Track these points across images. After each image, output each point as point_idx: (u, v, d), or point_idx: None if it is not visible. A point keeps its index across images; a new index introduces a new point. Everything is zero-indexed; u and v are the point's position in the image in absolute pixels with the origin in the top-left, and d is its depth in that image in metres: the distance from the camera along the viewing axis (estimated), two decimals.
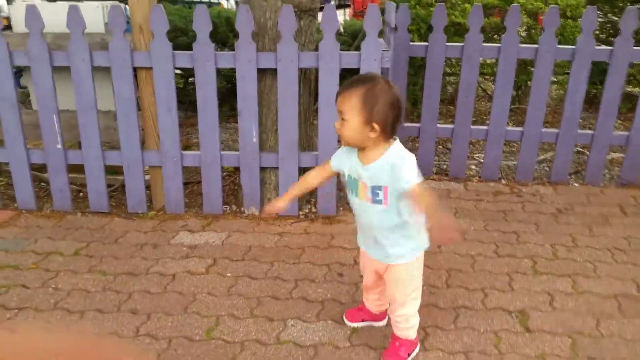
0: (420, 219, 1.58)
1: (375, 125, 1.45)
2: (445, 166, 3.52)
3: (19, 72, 3.69)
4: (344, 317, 1.98)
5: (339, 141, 1.63)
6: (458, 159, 3.30)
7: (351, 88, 1.46)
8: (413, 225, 1.59)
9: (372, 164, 1.52)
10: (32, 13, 2.53)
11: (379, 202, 1.54)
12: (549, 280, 2.26)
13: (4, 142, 2.77)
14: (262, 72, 2.65)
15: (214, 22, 4.34)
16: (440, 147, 3.91)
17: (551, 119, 4.47)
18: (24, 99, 4.42)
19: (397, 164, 1.47)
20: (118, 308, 2.06)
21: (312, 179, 1.76)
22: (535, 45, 3.00)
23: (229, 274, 2.30)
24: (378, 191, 1.53)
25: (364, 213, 1.62)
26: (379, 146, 1.51)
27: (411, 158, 1.49)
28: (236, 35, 2.56)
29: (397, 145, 1.52)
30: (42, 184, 3.20)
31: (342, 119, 1.48)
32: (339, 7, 10.11)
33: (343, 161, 1.62)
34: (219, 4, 9.56)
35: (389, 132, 1.49)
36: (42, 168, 3.07)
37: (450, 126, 3.26)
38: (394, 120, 1.47)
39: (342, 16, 7.29)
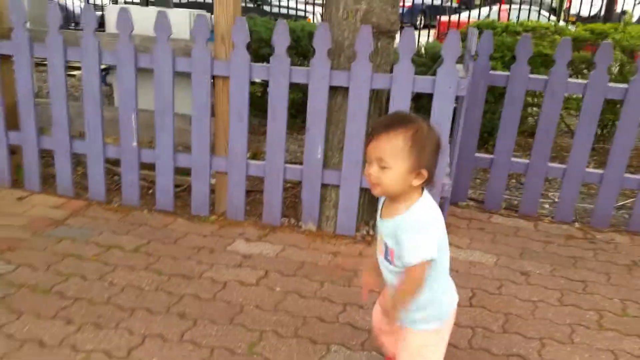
0: (437, 292, 1.43)
1: (424, 172, 1.30)
2: (516, 202, 3.34)
3: (106, 69, 3.93)
4: None
5: None
6: (531, 196, 3.13)
7: (394, 129, 1.28)
8: (426, 295, 1.41)
9: (390, 219, 1.37)
10: (123, 15, 2.68)
11: (389, 260, 1.42)
12: (614, 337, 2.08)
13: (85, 134, 2.94)
14: (334, 89, 2.64)
15: (298, 35, 4.46)
16: (514, 181, 3.73)
17: (636, 163, 4.15)
18: (108, 96, 4.71)
19: (406, 237, 1.31)
20: (167, 310, 2.10)
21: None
22: (625, 86, 2.80)
23: (279, 289, 2.30)
24: (387, 249, 1.41)
25: (380, 264, 1.49)
26: (410, 197, 1.35)
27: (428, 227, 1.33)
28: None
29: (424, 203, 1.35)
30: (116, 177, 3.36)
31: (382, 166, 1.29)
32: (424, 27, 9.96)
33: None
34: (306, 18, 9.77)
35: (431, 180, 1.34)
36: (117, 162, 3.22)
37: (526, 161, 3.10)
38: (434, 165, 1.33)
39: (427, 37, 7.19)
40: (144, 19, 2.88)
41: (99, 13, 3.46)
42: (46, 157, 3.41)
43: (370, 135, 1.32)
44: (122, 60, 2.75)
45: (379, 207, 1.46)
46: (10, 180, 3.12)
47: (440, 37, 7.01)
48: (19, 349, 1.85)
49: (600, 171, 2.99)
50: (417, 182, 1.32)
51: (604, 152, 4.33)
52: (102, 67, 2.97)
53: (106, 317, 2.04)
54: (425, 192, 1.38)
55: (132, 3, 12.08)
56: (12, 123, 3.05)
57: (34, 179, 3.08)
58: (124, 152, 2.92)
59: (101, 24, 4.08)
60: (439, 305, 1.46)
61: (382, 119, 1.39)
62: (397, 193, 1.34)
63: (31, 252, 2.46)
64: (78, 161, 3.49)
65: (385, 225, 1.39)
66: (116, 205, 3.01)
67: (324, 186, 2.80)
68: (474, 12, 9.24)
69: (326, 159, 2.77)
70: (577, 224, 3.10)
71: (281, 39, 2.59)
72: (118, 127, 2.89)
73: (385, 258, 1.43)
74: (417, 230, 1.31)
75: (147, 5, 3.55)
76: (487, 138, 4.10)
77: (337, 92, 2.67)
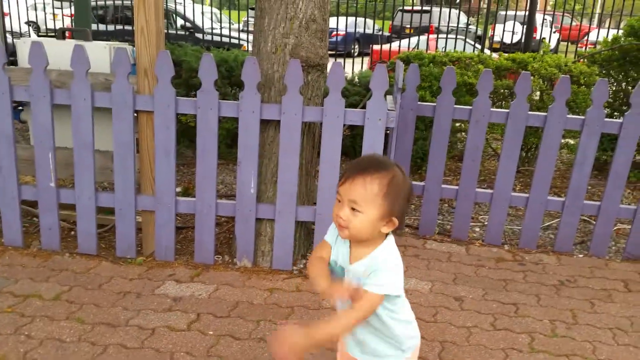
0: (407, 324, 1.42)
1: (395, 220, 1.28)
2: (448, 226, 3.42)
3: (20, 106, 3.71)
4: None
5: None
6: (462, 221, 3.21)
7: (369, 174, 1.25)
8: (393, 329, 1.39)
9: (357, 263, 1.34)
10: (36, 50, 2.53)
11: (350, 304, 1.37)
12: (545, 359, 2.13)
13: None
14: (265, 123, 2.62)
15: (231, 65, 4.42)
16: (446, 205, 3.82)
17: (559, 184, 4.38)
18: (24, 133, 4.43)
19: (377, 274, 1.29)
20: None
21: (321, 258, 1.46)
22: (545, 114, 2.96)
23: (211, 332, 2.19)
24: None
25: (338, 308, 1.43)
26: (375, 241, 1.32)
27: (396, 267, 1.31)
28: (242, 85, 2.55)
29: (389, 246, 1.33)
30: (34, 218, 3.13)
31: (353, 209, 1.26)
32: (359, 54, 10.20)
33: (336, 241, 1.41)
34: (240, 46, 9.71)
35: (400, 227, 1.33)
36: (35, 203, 3.01)
37: (455, 187, 3.19)
38: (404, 213, 1.33)
39: (361, 65, 7.36)
40: (61, 52, 2.74)
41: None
42: None
43: (345, 175, 1.29)
44: (36, 96, 2.59)
45: (338, 253, 1.39)
46: None
47: (373, 66, 7.20)
48: None
49: (525, 194, 3.12)
50: (386, 230, 1.30)
51: (529, 173, 4.54)
52: (16, 102, 2.79)
53: None
54: (391, 239, 1.36)
55: (48, 36, 11.63)
56: None
57: None
58: (41, 193, 2.73)
59: (12, 52, 3.86)
60: (407, 340, 1.43)
61: (358, 160, 1.34)
62: (365, 238, 1.31)
63: None
64: None
65: (355, 270, 1.34)
66: (35, 250, 2.80)
67: (259, 221, 2.74)
68: (404, 42, 9.60)
69: (260, 193, 2.73)
70: (506, 247, 3.21)
71: (208, 73, 2.54)
72: (34, 166, 2.71)
73: (348, 303, 1.35)
74: (387, 268, 1.30)
75: (63, 38, 3.39)
76: (420, 164, 4.20)
77: (269, 125, 2.65)
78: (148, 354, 2.02)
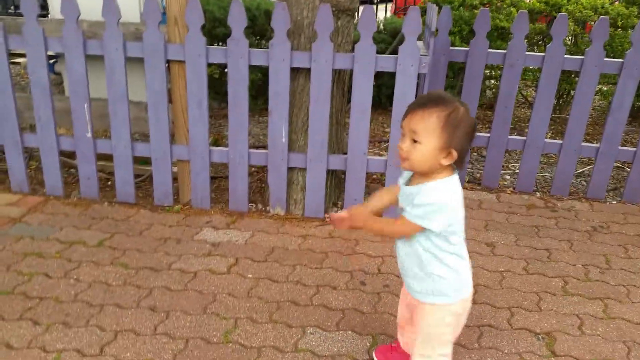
0: (447, 269, 1.42)
1: (454, 152, 1.30)
2: (478, 174, 3.41)
3: (53, 58, 3.73)
4: (373, 354, 1.82)
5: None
6: (492, 169, 3.19)
7: (430, 107, 1.29)
8: (439, 267, 1.42)
9: (414, 187, 1.37)
10: (68, 0, 2.53)
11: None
12: (579, 302, 2.17)
13: (35, 127, 2.80)
14: (295, 71, 2.60)
15: (254, 14, 4.35)
16: (475, 154, 3.79)
17: (592, 131, 4.30)
18: (58, 85, 4.49)
19: (420, 201, 1.33)
20: (137, 304, 2.05)
21: (384, 193, 1.58)
22: (582, 57, 2.86)
23: (250, 275, 2.27)
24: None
25: (397, 240, 1.50)
26: (438, 175, 1.34)
27: (444, 205, 1.32)
28: (273, 30, 2.51)
29: (448, 183, 1.34)
30: (72, 170, 3.22)
31: (414, 140, 1.30)
32: (381, 1, 9.85)
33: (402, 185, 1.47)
34: None
35: (461, 162, 1.34)
36: (72, 154, 3.09)
37: (486, 134, 3.15)
38: (466, 150, 1.33)
39: (384, 12, 7.15)
40: (91, 2, 2.73)
41: None
42: None
43: (407, 111, 1.34)
44: (70, 47, 2.61)
45: (401, 181, 1.47)
46: None
47: (397, 12, 6.98)
48: None
49: (559, 141, 3.08)
50: (446, 162, 1.31)
51: (560, 121, 4.46)
52: (50, 54, 2.82)
53: (74, 315, 1.97)
54: (455, 174, 1.37)
55: None
56: None
57: None
58: (79, 144, 2.79)
59: (43, 6, 3.86)
60: (454, 282, 1.44)
61: (420, 97, 1.39)
62: (424, 170, 1.35)
63: None
64: (31, 155, 3.34)
65: (408, 192, 1.39)
66: (75, 199, 2.89)
67: (290, 169, 2.77)
68: None
69: (291, 142, 2.74)
70: (538, 194, 3.19)
71: (237, 20, 2.51)
72: (70, 117, 2.76)
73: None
74: (432, 202, 1.32)
75: None
76: None
77: (299, 74, 2.63)
78: (192, 295, 2.12)
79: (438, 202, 1.33)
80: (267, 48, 2.53)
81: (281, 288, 2.19)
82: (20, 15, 2.64)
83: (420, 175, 1.38)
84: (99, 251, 2.41)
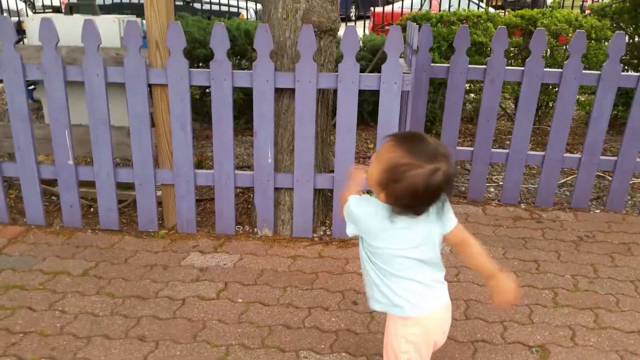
0: (383, 284, 1.44)
1: (386, 197, 1.32)
2: (463, 188, 3.44)
3: (32, 84, 3.68)
4: None
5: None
6: (477, 182, 3.22)
7: (399, 144, 1.29)
8: (371, 276, 1.47)
9: None
10: (47, 26, 2.50)
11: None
12: (570, 313, 2.18)
13: (15, 156, 2.74)
14: (279, 91, 2.60)
15: (234, 34, 4.36)
16: (459, 167, 3.83)
17: (571, 141, 4.37)
18: (37, 112, 4.42)
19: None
20: (126, 334, 1.99)
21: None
22: (560, 70, 2.92)
23: (240, 300, 2.23)
24: None
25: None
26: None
27: (351, 205, 1.41)
28: (254, 50, 2.51)
29: (373, 202, 1.39)
30: (53, 197, 3.16)
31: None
32: (359, 18, 9.99)
33: None
34: (238, 14, 9.54)
35: (402, 210, 1.32)
36: (53, 182, 3.03)
37: (470, 149, 3.18)
38: (412, 205, 1.31)
39: (362, 29, 7.24)
40: (69, 28, 2.70)
41: (14, 19, 3.22)
42: None
43: (391, 135, 1.37)
44: (49, 74, 2.57)
45: None
46: None
47: (376, 29, 7.08)
48: None
49: (541, 153, 3.12)
50: (382, 199, 1.34)
51: (540, 132, 4.53)
52: (28, 81, 2.77)
53: (61, 349, 1.91)
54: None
55: (54, 10, 11.43)
56: None
57: None
58: (60, 172, 2.73)
59: (18, 30, 3.80)
60: (388, 296, 1.44)
61: (410, 133, 1.41)
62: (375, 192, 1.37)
63: None
64: (10, 184, 3.26)
65: None
66: (57, 228, 2.82)
67: (277, 190, 2.75)
68: (407, 2, 9.42)
69: (277, 162, 2.73)
70: (523, 205, 3.22)
71: (220, 43, 2.50)
72: (51, 145, 2.71)
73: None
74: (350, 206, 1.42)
75: (71, 13, 3.34)
76: (430, 127, 4.18)
77: (283, 94, 2.63)
78: (181, 323, 2.07)
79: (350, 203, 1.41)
80: (248, 69, 2.52)
81: (272, 311, 2.16)
82: None
83: None
84: (83, 281, 2.34)
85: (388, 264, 1.41)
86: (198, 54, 4.15)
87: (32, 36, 3.10)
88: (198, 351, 1.91)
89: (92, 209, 3.06)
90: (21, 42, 2.67)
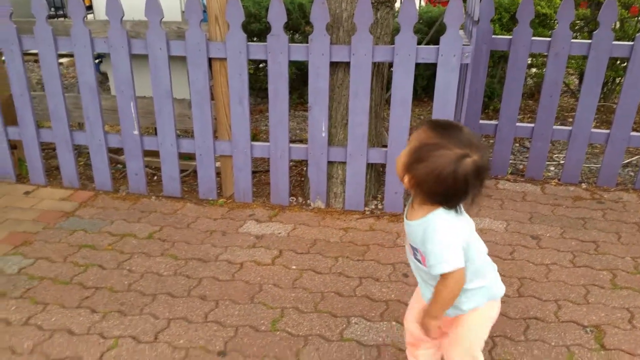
0: (481, 285, 1.37)
1: (411, 180, 1.23)
2: (522, 166, 3.35)
3: (98, 58, 3.86)
4: None
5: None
6: (537, 160, 3.13)
7: (432, 127, 1.23)
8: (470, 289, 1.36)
9: (412, 221, 1.30)
10: (112, 1, 2.61)
11: (419, 260, 1.35)
12: (629, 296, 2.11)
13: (84, 125, 2.91)
14: (334, 65, 2.61)
15: (287, 8, 4.37)
16: (517, 144, 3.73)
17: (638, 119, 4.15)
18: (103, 85, 4.64)
19: (427, 237, 1.25)
20: (188, 293, 2.12)
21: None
22: (631, 43, 2.77)
23: (294, 267, 2.31)
24: (415, 250, 1.35)
25: (410, 261, 1.44)
26: (422, 204, 1.27)
27: (444, 236, 1.24)
28: (308, 24, 2.52)
29: (438, 214, 1.25)
30: (118, 165, 3.34)
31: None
32: None
33: None
34: None
35: (428, 198, 1.24)
36: (119, 150, 3.20)
37: (531, 125, 3.09)
38: (437, 192, 1.22)
39: (417, 1, 7.08)
40: (132, 2, 2.81)
41: None
42: (46, 149, 3.39)
43: (424, 120, 1.31)
44: (115, 47, 2.70)
45: (406, 207, 1.40)
46: (14, 175, 3.10)
47: (433, 0, 6.87)
48: (49, 339, 1.87)
49: (606, 131, 2.99)
50: (406, 185, 1.25)
51: (605, 110, 4.32)
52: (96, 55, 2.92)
53: (129, 304, 2.06)
54: (441, 210, 1.27)
55: None
56: (10, 118, 3.02)
57: (38, 172, 3.06)
58: (126, 141, 2.89)
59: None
60: (485, 290, 1.39)
61: (443, 120, 1.30)
62: (401, 178, 1.27)
63: (46, 245, 2.47)
64: (80, 152, 3.47)
65: (408, 225, 1.34)
66: (124, 194, 3.00)
67: (330, 163, 2.79)
68: None
69: (331, 136, 2.76)
70: (584, 185, 3.11)
71: (277, 15, 2.54)
72: (116, 115, 2.86)
73: (415, 257, 1.38)
74: (434, 232, 1.25)
75: None
76: (486, 103, 4.08)
77: (338, 67, 2.64)
78: (239, 285, 2.17)
79: (441, 237, 1.25)
80: (301, 42, 2.54)
81: (324, 279, 2.22)
82: (58, 17, 2.73)
83: (413, 200, 1.31)
84: (149, 243, 2.49)
85: (473, 263, 1.34)
86: (253, 28, 4.21)
87: (99, 11, 3.24)
88: (255, 312, 2.01)
89: (155, 177, 3.22)
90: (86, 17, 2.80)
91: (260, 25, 4.17)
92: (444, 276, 1.26)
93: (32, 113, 2.93)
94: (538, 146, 3.09)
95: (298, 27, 4.38)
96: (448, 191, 1.21)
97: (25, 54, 2.94)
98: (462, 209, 1.31)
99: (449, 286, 1.27)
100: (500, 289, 1.43)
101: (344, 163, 2.76)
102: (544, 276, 2.25)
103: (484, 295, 1.39)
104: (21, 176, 3.15)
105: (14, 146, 3.13)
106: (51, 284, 2.17)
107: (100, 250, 2.43)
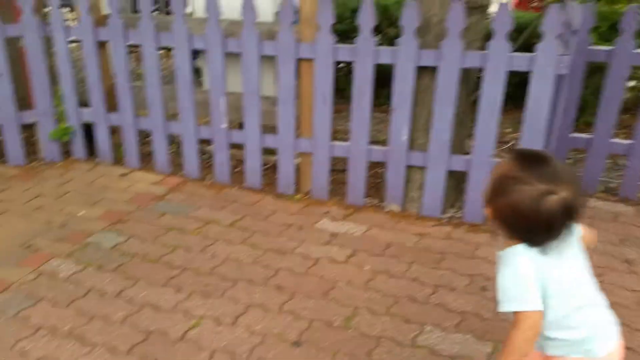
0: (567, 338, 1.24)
1: (488, 211, 1.22)
2: (613, 184, 3.16)
3: (194, 53, 4.06)
4: None
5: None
6: (632, 179, 2.94)
7: (516, 158, 1.19)
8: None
9: (498, 253, 1.27)
10: (211, 0, 2.75)
11: None
12: None
13: (178, 116, 3.09)
14: (420, 69, 2.60)
15: None
16: (609, 161, 3.51)
17: None
18: (195, 79, 4.87)
19: (498, 270, 1.22)
20: (266, 282, 2.20)
21: None
22: None
23: (368, 267, 2.33)
24: None
25: None
26: (506, 237, 1.23)
27: (514, 272, 1.18)
28: (390, 26, 2.53)
29: (515, 249, 1.20)
30: (204, 155, 3.51)
31: None
32: None
33: None
34: None
35: (508, 233, 1.20)
36: (206, 140, 3.36)
37: (628, 142, 2.91)
38: (516, 228, 1.18)
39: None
40: (228, 2, 2.93)
41: None
42: (139, 135, 3.61)
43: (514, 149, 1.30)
44: (212, 45, 2.84)
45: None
46: (112, 158, 3.35)
47: (522, 4, 6.59)
48: (139, 312, 2.02)
49: None
50: (488, 213, 1.23)
51: None
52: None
53: (212, 286, 2.17)
54: (520, 247, 1.21)
55: None
56: (110, 105, 3.26)
57: (134, 156, 3.29)
58: (215, 134, 3.04)
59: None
60: (574, 345, 1.26)
61: (528, 149, 1.31)
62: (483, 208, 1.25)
63: (138, 225, 2.65)
64: (171, 139, 3.67)
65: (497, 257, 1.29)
66: (209, 182, 3.16)
67: (409, 167, 2.78)
68: None
69: (411, 140, 2.75)
70: None
71: (367, 18, 2.57)
72: (208, 109, 3.01)
73: None
74: (503, 269, 1.21)
75: None
76: (578, 115, 3.87)
77: (424, 72, 2.62)
78: (313, 280, 2.23)
79: (507, 274, 1.20)
80: (381, 44, 2.53)
81: (398, 283, 2.23)
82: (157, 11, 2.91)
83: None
84: (231, 230, 2.61)
85: (557, 313, 1.23)
86: (336, 29, 4.25)
87: (197, 8, 3.42)
88: (328, 307, 2.05)
89: (237, 169, 3.36)
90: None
91: (344, 27, 4.22)
92: (515, 318, 1.19)
93: (131, 102, 3.15)
94: (634, 164, 2.90)
95: (380, 28, 4.38)
96: (527, 228, 1.16)
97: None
98: (558, 249, 1.19)
99: (519, 329, 1.18)
100: (601, 349, 1.25)
101: (423, 168, 2.74)
102: (636, 303, 2.12)
103: (572, 349, 1.26)
104: (117, 159, 3.40)
105: (112, 131, 3.37)
106: (141, 261, 2.34)
107: (186, 234, 2.58)
